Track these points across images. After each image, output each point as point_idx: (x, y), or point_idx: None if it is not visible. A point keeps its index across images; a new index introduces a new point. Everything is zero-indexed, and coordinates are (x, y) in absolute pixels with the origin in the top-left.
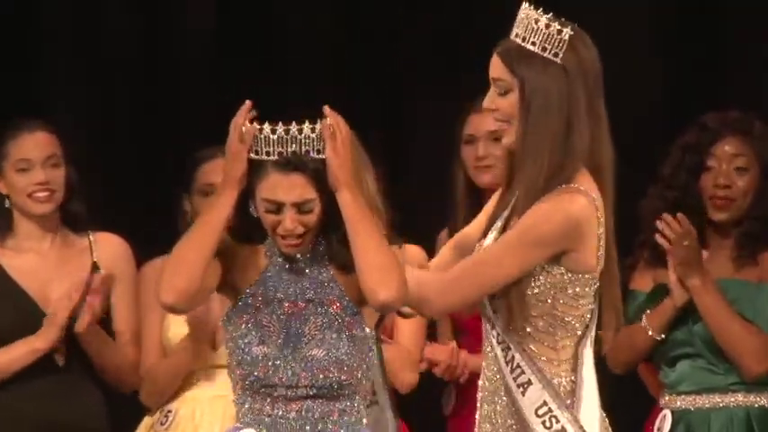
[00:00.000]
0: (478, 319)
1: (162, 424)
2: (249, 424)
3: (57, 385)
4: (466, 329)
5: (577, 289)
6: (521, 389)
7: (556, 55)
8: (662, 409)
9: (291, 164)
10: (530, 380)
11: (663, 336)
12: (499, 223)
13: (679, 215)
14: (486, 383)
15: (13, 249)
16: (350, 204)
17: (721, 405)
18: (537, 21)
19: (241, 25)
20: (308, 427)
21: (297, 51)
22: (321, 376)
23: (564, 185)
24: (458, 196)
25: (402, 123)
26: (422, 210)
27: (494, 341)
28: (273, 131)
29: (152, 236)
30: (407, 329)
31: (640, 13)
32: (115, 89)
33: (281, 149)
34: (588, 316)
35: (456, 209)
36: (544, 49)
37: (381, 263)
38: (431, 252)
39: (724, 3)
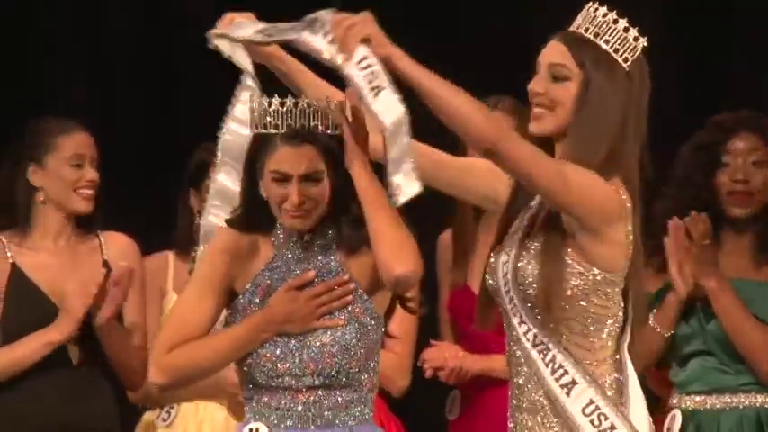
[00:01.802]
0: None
1: (164, 420)
2: (257, 419)
3: (69, 384)
4: (466, 333)
5: (608, 289)
6: (564, 389)
7: (626, 60)
8: (671, 409)
9: (300, 136)
10: (574, 379)
11: (672, 332)
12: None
13: (702, 215)
14: (518, 392)
15: (29, 248)
16: (365, 179)
17: (731, 405)
18: (616, 21)
19: None
20: (317, 419)
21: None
22: (328, 364)
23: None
24: None
25: None
26: (421, 212)
27: (526, 344)
28: (282, 104)
29: (153, 236)
30: (400, 332)
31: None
32: (115, 89)
33: (290, 122)
34: (621, 315)
35: (462, 210)
36: (616, 51)
37: (397, 237)
38: (432, 254)
39: (730, 3)
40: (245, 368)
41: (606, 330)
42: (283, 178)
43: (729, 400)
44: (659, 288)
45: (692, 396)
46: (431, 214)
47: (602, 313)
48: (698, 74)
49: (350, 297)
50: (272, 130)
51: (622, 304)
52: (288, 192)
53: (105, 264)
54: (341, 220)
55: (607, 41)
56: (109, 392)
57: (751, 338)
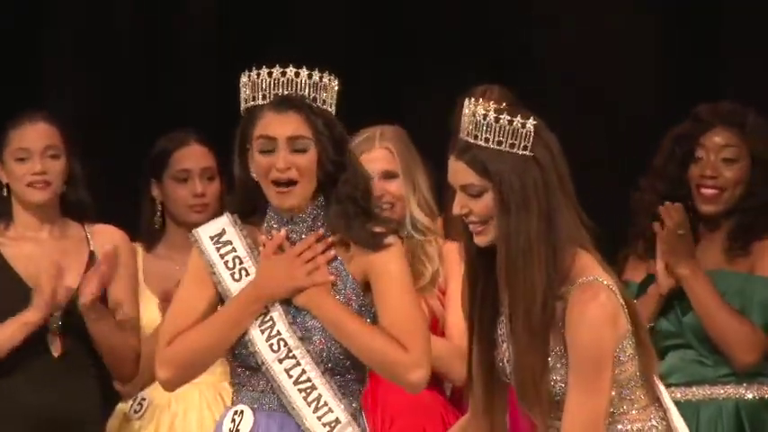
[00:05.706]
0: None
1: (135, 412)
2: (243, 403)
3: (48, 377)
4: None
5: (626, 353)
6: None
7: (525, 148)
8: None
9: (286, 103)
10: None
11: (652, 324)
12: (501, 330)
13: (676, 204)
14: None
15: (13, 238)
16: (331, 308)
17: (711, 397)
18: (498, 119)
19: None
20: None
21: (305, 33)
22: (319, 345)
23: (579, 281)
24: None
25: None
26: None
27: None
28: (270, 74)
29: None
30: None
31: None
32: (115, 81)
33: (276, 92)
34: (641, 358)
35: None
36: (512, 146)
37: (383, 359)
38: None
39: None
40: (235, 352)
41: (634, 381)
42: (269, 144)
43: (708, 391)
44: (643, 279)
45: (671, 388)
46: None
47: (623, 374)
48: (693, 67)
49: (333, 252)
50: (260, 101)
51: (636, 349)
52: (274, 160)
53: (92, 255)
54: (330, 199)
55: (499, 142)
56: (92, 385)
57: (725, 326)
